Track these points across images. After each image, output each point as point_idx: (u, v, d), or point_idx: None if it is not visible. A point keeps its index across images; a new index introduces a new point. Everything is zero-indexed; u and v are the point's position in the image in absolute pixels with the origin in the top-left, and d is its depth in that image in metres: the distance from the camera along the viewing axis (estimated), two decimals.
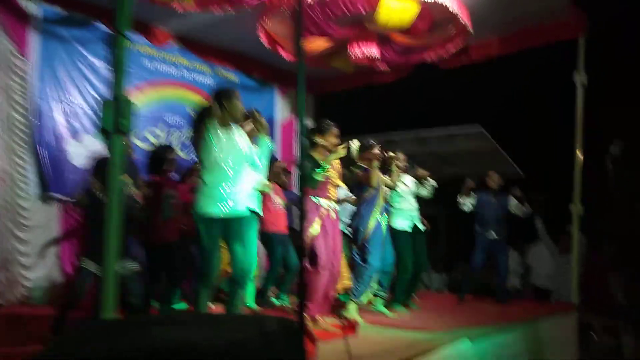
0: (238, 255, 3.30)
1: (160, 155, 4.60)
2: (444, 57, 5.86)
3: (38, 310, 4.69)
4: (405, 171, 5.26)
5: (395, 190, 5.01)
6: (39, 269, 5.16)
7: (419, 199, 5.42)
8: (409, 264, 5.04)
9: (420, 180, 5.46)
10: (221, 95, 3.39)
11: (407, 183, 5.23)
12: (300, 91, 2.50)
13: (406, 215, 5.16)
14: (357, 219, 4.59)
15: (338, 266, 3.95)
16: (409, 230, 5.15)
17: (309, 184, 3.80)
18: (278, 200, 5.13)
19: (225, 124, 3.35)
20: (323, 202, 3.91)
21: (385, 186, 4.71)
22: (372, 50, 5.39)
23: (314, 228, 3.80)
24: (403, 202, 5.17)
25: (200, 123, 3.33)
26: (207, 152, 3.27)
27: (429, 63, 6.14)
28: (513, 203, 5.76)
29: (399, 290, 5.03)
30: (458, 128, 7.12)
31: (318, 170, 3.79)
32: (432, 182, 5.46)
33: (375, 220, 4.52)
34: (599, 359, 5.30)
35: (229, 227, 3.30)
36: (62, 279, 5.24)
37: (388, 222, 4.81)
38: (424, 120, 7.29)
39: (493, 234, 5.68)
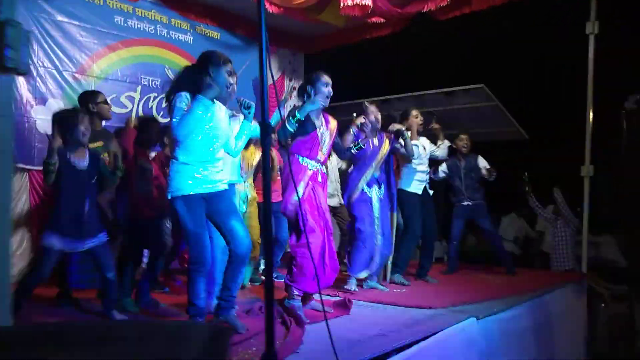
0: (239, 231, 2.90)
1: (141, 126, 4.07)
2: (443, 6, 5.35)
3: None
4: (420, 131, 4.87)
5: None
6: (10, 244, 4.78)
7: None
8: (417, 229, 4.69)
9: (435, 139, 5.06)
10: (207, 62, 2.90)
11: (422, 144, 4.83)
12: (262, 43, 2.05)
13: (418, 178, 4.79)
14: (344, 187, 4.28)
15: (332, 233, 3.54)
16: (419, 193, 4.80)
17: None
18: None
19: (208, 96, 2.84)
20: (311, 163, 3.47)
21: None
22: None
23: (298, 192, 3.35)
24: (416, 164, 4.77)
25: (178, 91, 2.84)
26: (185, 126, 2.77)
27: (426, 14, 5.63)
28: (482, 165, 5.29)
29: (403, 257, 4.66)
30: (459, 88, 6.66)
31: (292, 121, 3.31)
32: (446, 142, 5.03)
33: (361, 187, 4.21)
34: (610, 329, 5.01)
35: (218, 204, 2.91)
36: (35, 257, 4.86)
37: (389, 188, 4.46)
38: (422, 80, 6.83)
39: (467, 201, 5.29)
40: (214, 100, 2.89)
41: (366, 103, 4.38)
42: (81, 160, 3.16)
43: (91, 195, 3.20)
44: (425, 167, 4.87)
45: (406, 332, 2.89)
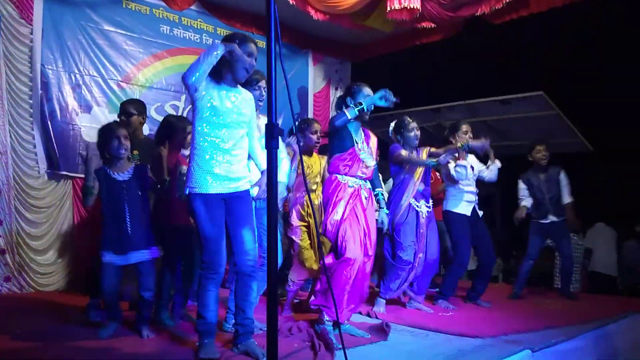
0: (247, 243, 2.69)
1: (173, 125, 3.94)
2: (498, 9, 5.00)
3: (50, 297, 4.35)
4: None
5: (457, 170, 4.32)
6: (51, 253, 4.82)
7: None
8: (466, 254, 4.35)
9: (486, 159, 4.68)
10: (229, 40, 2.70)
11: (470, 162, 4.46)
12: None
13: (467, 199, 4.41)
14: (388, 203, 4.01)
15: (372, 256, 3.27)
16: (468, 215, 4.41)
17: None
18: None
19: (224, 82, 2.70)
20: (351, 180, 3.23)
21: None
22: (413, 2, 4.62)
23: (338, 212, 3.14)
24: (464, 183, 4.41)
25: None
26: (202, 115, 2.63)
27: (480, 18, 5.29)
28: (564, 183, 4.87)
29: (448, 284, 4.32)
30: (515, 95, 6.25)
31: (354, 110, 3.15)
32: (497, 163, 4.58)
33: (406, 206, 3.93)
34: None
35: (234, 206, 2.70)
36: (77, 265, 4.87)
37: (433, 207, 4.17)
38: (475, 88, 6.47)
39: (552, 217, 4.88)
40: (237, 87, 2.73)
41: (408, 118, 4.14)
42: (121, 174, 3.08)
43: (134, 207, 3.08)
44: (473, 188, 4.49)
45: None
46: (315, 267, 3.68)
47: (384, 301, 3.95)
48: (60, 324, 3.29)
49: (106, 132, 3.13)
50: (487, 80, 6.32)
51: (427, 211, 4.05)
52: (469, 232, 4.36)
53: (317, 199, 3.82)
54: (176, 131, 3.64)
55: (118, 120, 3.90)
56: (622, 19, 5.52)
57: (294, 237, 3.74)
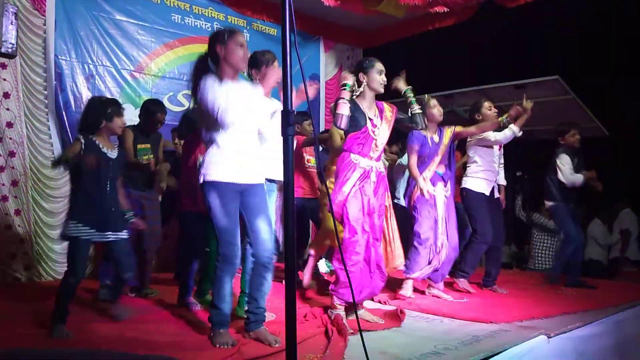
0: (264, 234, 2.70)
1: (193, 121, 3.96)
2: None
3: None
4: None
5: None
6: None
7: None
8: (487, 232, 4.23)
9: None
10: (214, 41, 2.69)
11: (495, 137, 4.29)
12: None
13: (487, 177, 4.34)
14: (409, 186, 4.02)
15: (380, 238, 3.24)
16: (486, 194, 4.34)
17: None
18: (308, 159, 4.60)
19: (224, 75, 2.67)
20: (363, 160, 3.17)
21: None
22: None
23: (343, 191, 3.09)
24: (486, 161, 4.34)
25: (200, 73, 2.66)
26: (212, 108, 2.58)
27: (493, 1, 5.20)
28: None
29: (470, 262, 4.25)
30: (530, 80, 6.16)
31: None
32: (514, 128, 4.24)
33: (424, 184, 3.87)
34: None
35: (250, 198, 2.71)
36: (94, 252, 4.93)
37: (457, 188, 4.16)
38: (489, 73, 6.38)
39: (573, 202, 4.75)
40: (239, 79, 2.72)
41: (427, 96, 4.05)
42: (111, 151, 3.04)
43: (114, 186, 3.04)
44: (495, 167, 4.40)
45: (464, 350, 2.58)
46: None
47: (411, 282, 3.93)
48: (78, 310, 3.34)
49: (112, 106, 3.11)
50: (501, 65, 6.23)
51: (445, 196, 3.99)
52: (488, 211, 4.29)
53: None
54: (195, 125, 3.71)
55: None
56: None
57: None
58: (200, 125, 2.74)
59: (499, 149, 4.50)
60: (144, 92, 5.31)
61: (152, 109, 4.00)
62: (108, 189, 2.98)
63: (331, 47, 7.09)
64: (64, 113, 4.79)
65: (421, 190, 3.85)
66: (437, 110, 4.01)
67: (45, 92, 4.73)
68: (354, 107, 3.14)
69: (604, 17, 5.68)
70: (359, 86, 3.19)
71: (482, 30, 6.21)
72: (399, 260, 3.56)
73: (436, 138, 4.01)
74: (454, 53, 6.81)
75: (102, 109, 3.04)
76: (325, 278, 4.58)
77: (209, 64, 2.70)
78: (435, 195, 3.93)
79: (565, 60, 6.18)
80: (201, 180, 2.66)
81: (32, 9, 4.66)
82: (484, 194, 4.34)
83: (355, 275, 3.00)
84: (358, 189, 3.12)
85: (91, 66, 5.02)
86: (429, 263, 3.91)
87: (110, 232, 2.94)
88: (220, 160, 2.63)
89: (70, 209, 2.99)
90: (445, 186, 4.03)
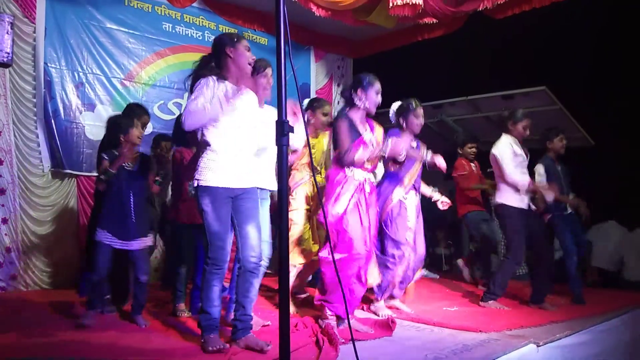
0: (252, 239, 2.72)
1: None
2: (500, 4, 4.98)
3: (55, 295, 4.37)
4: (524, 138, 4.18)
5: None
6: (58, 251, 4.83)
7: None
8: (520, 252, 4.06)
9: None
10: (223, 43, 2.74)
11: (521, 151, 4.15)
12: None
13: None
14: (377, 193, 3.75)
15: (371, 251, 3.24)
16: (525, 208, 4.07)
17: None
18: None
19: (230, 79, 2.71)
20: (357, 172, 3.17)
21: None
22: None
23: (341, 204, 3.10)
24: (522, 172, 4.09)
25: (199, 78, 2.70)
26: (210, 111, 2.57)
27: (482, 13, 5.27)
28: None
29: (499, 283, 4.05)
30: (518, 90, 6.24)
31: None
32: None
33: (398, 198, 3.69)
34: None
35: (242, 203, 2.72)
36: (83, 262, 4.89)
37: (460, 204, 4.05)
38: (478, 83, 6.45)
39: (569, 209, 4.55)
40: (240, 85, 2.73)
41: (415, 102, 3.79)
42: (129, 164, 3.27)
43: (138, 197, 3.27)
44: (528, 177, 4.13)
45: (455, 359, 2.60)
46: (314, 250, 3.70)
47: (382, 303, 3.69)
48: (65, 321, 3.31)
49: (128, 121, 3.34)
50: (489, 76, 6.30)
51: (415, 205, 3.79)
52: (525, 226, 4.04)
53: (322, 181, 3.75)
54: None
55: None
56: (625, 13, 5.50)
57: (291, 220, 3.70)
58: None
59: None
60: (135, 101, 5.28)
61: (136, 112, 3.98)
62: (131, 199, 3.21)
63: (322, 56, 7.13)
64: (52, 121, 4.76)
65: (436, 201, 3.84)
66: (420, 121, 3.78)
67: (34, 100, 4.70)
68: (349, 121, 3.17)
69: (591, 28, 5.79)
70: (355, 101, 3.21)
71: (470, 41, 6.28)
72: (372, 278, 3.34)
73: (414, 144, 3.82)
74: (443, 63, 6.88)
75: (116, 126, 3.31)
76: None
77: (212, 66, 2.72)
78: (407, 204, 3.73)
79: (552, 70, 6.27)
80: (195, 185, 2.68)
81: (22, 16, 4.64)
82: (521, 208, 4.06)
83: (351, 288, 3.02)
84: (356, 201, 3.11)
85: (81, 74, 5.00)
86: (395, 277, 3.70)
87: (129, 241, 3.20)
88: (215, 165, 2.65)
89: (99, 216, 3.25)
90: (416, 195, 3.83)
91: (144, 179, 3.36)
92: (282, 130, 1.73)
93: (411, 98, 3.82)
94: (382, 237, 3.67)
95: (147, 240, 3.32)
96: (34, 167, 4.71)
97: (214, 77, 2.66)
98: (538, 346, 2.94)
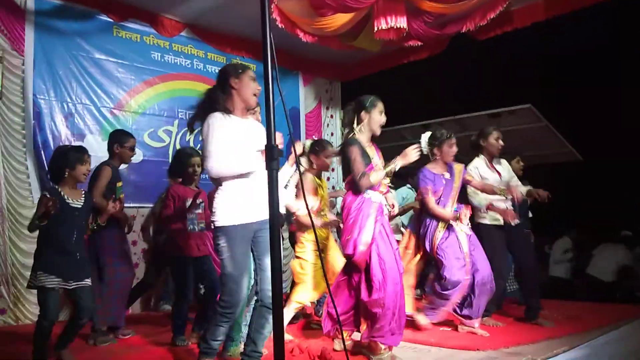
0: (268, 272, 2.51)
1: (182, 159, 3.84)
2: (482, 25, 5.10)
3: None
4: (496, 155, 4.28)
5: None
6: None
7: None
8: (502, 267, 4.12)
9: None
10: (227, 75, 2.70)
11: (499, 169, 4.24)
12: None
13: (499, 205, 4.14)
14: (423, 228, 3.80)
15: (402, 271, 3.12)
16: (501, 224, 4.13)
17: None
18: None
19: (236, 112, 2.69)
20: (374, 195, 3.08)
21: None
22: (399, 21, 4.71)
23: (367, 231, 2.97)
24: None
25: (208, 111, 2.65)
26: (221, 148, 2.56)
27: (465, 35, 5.38)
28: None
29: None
30: (504, 109, 6.34)
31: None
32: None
33: (443, 228, 3.73)
34: None
35: (260, 235, 2.64)
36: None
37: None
38: (464, 103, 6.56)
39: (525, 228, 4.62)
40: (247, 117, 2.73)
41: (445, 131, 3.89)
42: (76, 200, 3.07)
43: (81, 235, 3.08)
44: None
45: None
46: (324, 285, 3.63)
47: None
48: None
49: (79, 155, 3.12)
50: (475, 95, 6.42)
51: (466, 232, 3.81)
52: (503, 242, 4.12)
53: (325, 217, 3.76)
54: (187, 165, 3.71)
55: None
56: (603, 32, 5.66)
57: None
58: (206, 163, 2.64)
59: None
60: (125, 129, 5.29)
61: (116, 138, 3.93)
62: (74, 237, 3.00)
63: (310, 81, 7.22)
64: (42, 152, 4.74)
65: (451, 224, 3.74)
66: (454, 149, 3.85)
67: (24, 132, 4.69)
68: (359, 145, 3.10)
69: (572, 46, 5.94)
70: (358, 124, 3.16)
71: (455, 62, 6.41)
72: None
73: (447, 175, 3.87)
74: (429, 84, 7.00)
75: (64, 158, 3.08)
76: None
77: (218, 98, 2.67)
78: (457, 232, 3.76)
79: (537, 88, 6.40)
80: (212, 226, 2.63)
81: (10, 49, 4.66)
82: (497, 225, 4.14)
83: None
84: (381, 224, 3.02)
85: (70, 105, 5.00)
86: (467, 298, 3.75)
87: (73, 281, 2.96)
88: (230, 202, 2.58)
89: (37, 259, 2.98)
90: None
91: (87, 216, 3.19)
92: (272, 155, 1.74)
93: (440, 128, 3.91)
94: (437, 267, 3.70)
95: (87, 282, 3.05)
96: (23, 199, 4.66)
97: (220, 114, 2.61)
98: None
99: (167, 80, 5.76)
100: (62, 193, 3.01)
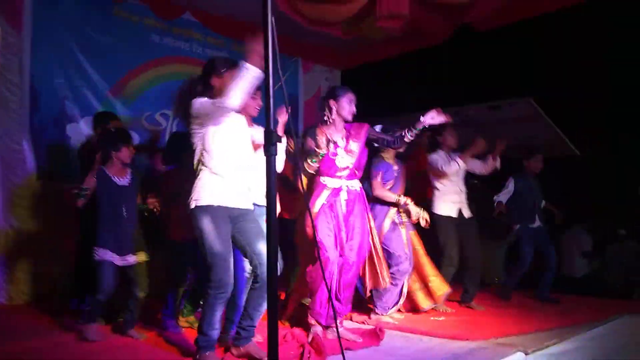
0: (264, 256, 2.58)
1: (179, 141, 3.75)
2: (486, 16, 5.06)
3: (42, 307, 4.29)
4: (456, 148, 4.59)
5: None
6: (41, 264, 4.74)
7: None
8: (454, 255, 4.39)
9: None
10: (210, 71, 2.75)
11: (457, 161, 4.46)
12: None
13: (453, 200, 4.50)
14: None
15: (357, 260, 3.27)
16: (454, 216, 4.48)
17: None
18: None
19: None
20: (330, 181, 3.34)
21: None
22: (401, 9, 4.66)
23: (314, 210, 3.22)
24: (449, 184, 4.49)
25: (189, 97, 2.69)
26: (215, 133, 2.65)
27: (469, 25, 5.34)
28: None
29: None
30: (504, 101, 6.30)
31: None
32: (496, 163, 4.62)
33: (391, 219, 3.94)
34: None
35: (245, 224, 2.70)
36: (67, 274, 4.81)
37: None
38: (465, 93, 6.50)
39: (538, 222, 5.05)
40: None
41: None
42: (121, 179, 3.31)
43: (131, 212, 3.29)
44: (461, 187, 4.56)
45: None
46: None
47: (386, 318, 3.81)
48: (55, 333, 3.28)
49: (119, 137, 3.39)
50: (476, 86, 6.37)
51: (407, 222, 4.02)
52: (456, 233, 4.41)
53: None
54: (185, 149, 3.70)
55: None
56: (610, 25, 5.61)
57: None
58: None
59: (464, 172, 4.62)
60: (122, 112, 5.25)
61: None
62: (125, 214, 3.23)
63: (309, 68, 7.17)
64: (38, 133, 4.72)
65: (413, 215, 3.85)
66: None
67: (20, 111, 4.66)
68: (314, 137, 3.30)
69: (577, 39, 5.89)
70: (330, 112, 3.32)
71: (457, 52, 6.36)
72: (385, 280, 3.53)
73: (396, 167, 4.06)
74: (430, 74, 6.93)
75: (110, 141, 3.36)
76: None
77: (199, 90, 2.70)
78: (399, 222, 4.01)
79: (539, 81, 6.35)
80: (192, 206, 2.61)
81: (8, 27, 4.61)
82: (450, 216, 4.45)
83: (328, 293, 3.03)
84: (329, 205, 3.21)
85: (68, 85, 4.96)
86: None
87: (128, 256, 3.20)
88: (213, 184, 2.61)
89: (95, 236, 3.21)
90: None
91: (136, 194, 3.41)
92: (270, 139, 1.74)
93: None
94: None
95: (141, 256, 3.31)
96: (19, 179, 4.65)
97: (206, 99, 2.65)
98: (526, 354, 2.94)
99: (166, 63, 5.71)
100: (107, 173, 3.26)
